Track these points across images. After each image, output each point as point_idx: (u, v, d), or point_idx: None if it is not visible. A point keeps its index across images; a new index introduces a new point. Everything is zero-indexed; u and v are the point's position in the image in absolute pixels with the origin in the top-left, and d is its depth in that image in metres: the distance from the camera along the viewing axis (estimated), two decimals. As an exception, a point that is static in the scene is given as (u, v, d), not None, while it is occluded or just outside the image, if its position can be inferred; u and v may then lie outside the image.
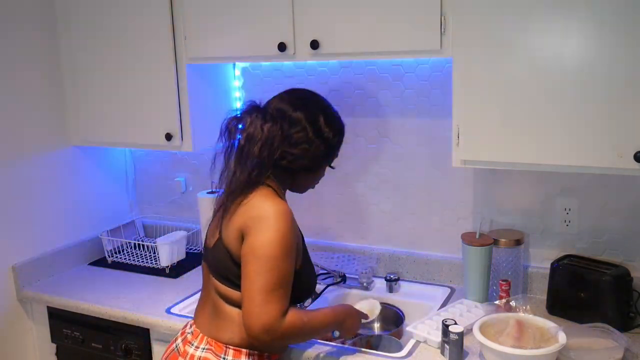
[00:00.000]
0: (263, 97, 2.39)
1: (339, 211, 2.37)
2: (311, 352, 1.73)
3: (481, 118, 1.72)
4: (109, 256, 2.56)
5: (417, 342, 1.78)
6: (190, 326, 1.69)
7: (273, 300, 1.45)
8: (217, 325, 1.61)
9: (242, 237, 1.53)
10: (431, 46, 1.76)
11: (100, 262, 2.55)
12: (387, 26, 1.80)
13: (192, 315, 1.74)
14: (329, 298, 2.15)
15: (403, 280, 2.21)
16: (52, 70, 2.38)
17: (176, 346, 1.67)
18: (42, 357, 2.36)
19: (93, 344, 2.18)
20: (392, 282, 2.16)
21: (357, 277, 2.21)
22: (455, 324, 1.66)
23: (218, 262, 1.60)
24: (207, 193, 2.40)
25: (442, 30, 1.73)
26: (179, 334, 1.71)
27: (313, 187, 1.76)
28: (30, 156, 2.33)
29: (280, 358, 1.70)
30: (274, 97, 1.66)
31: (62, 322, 2.24)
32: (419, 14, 1.75)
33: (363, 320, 1.79)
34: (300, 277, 1.58)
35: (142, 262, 2.47)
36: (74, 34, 2.34)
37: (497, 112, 1.70)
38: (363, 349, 1.75)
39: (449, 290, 2.14)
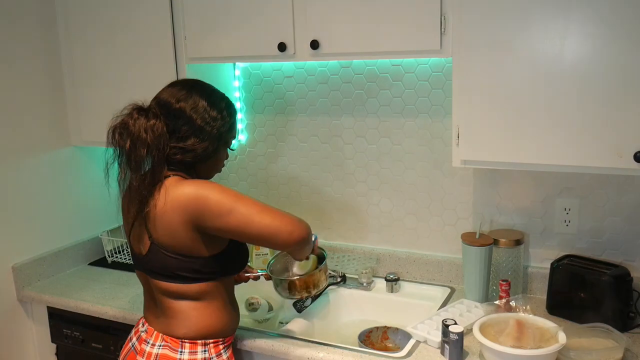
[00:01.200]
0: (263, 97, 2.41)
1: (339, 211, 2.37)
2: (312, 352, 1.74)
3: (481, 118, 1.72)
4: (109, 256, 2.56)
5: (417, 342, 1.78)
6: (143, 324, 1.72)
7: (280, 212, 1.59)
8: (168, 323, 1.64)
9: (193, 229, 1.53)
10: (431, 46, 1.76)
11: (100, 262, 2.55)
12: (387, 26, 1.80)
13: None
14: (329, 298, 2.15)
15: (403, 280, 2.21)
16: (52, 70, 2.38)
17: (132, 345, 1.71)
18: (42, 357, 2.36)
19: (93, 344, 2.18)
20: (392, 282, 2.16)
21: (357, 277, 2.21)
22: (455, 324, 1.66)
23: (159, 265, 1.60)
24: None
25: (442, 30, 1.73)
26: (133, 332, 1.75)
27: (220, 171, 1.73)
28: (30, 156, 2.33)
29: (233, 342, 1.75)
30: (157, 93, 1.64)
31: (62, 322, 2.24)
32: (419, 14, 1.75)
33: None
34: (238, 248, 1.66)
35: (142, 262, 2.47)
36: (74, 34, 2.34)
37: (497, 112, 1.70)
38: (363, 349, 1.75)
39: (449, 290, 2.14)
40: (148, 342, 1.65)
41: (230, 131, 1.66)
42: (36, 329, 2.35)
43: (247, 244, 1.74)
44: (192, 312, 1.62)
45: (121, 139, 1.55)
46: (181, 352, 1.62)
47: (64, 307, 2.20)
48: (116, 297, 2.18)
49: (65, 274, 2.43)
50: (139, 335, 1.70)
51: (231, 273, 1.70)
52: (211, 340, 1.65)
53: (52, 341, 2.29)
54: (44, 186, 2.38)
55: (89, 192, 2.57)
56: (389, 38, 1.81)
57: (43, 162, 2.38)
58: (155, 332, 1.66)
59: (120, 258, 2.54)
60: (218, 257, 1.61)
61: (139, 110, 1.58)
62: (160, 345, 1.63)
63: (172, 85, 1.66)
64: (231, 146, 1.71)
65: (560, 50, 1.59)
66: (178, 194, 1.53)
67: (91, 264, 2.54)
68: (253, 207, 1.55)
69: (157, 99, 1.62)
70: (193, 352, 1.62)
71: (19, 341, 2.32)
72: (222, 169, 1.74)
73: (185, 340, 1.62)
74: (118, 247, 2.59)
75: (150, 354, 1.63)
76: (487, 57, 1.68)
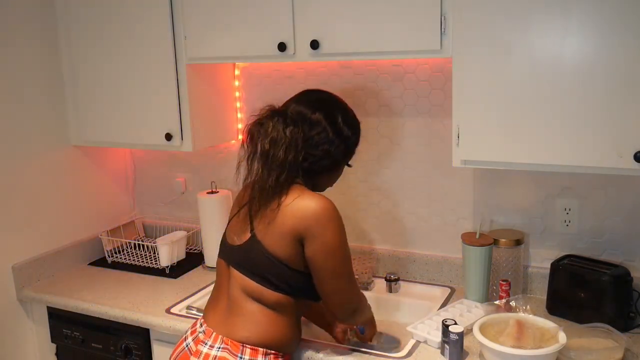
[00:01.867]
0: (263, 97, 2.41)
1: (339, 211, 2.36)
2: (310, 352, 1.74)
3: (481, 118, 1.72)
4: (108, 256, 2.56)
5: (417, 342, 1.78)
6: (202, 325, 1.67)
7: (355, 283, 1.67)
8: (233, 322, 1.61)
9: (298, 241, 1.55)
10: (431, 46, 1.76)
11: (100, 262, 2.54)
12: (387, 26, 1.80)
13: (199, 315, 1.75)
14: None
15: (403, 280, 2.21)
16: (52, 70, 2.38)
17: (187, 345, 1.65)
18: (42, 357, 2.36)
19: (93, 344, 2.18)
20: (392, 282, 2.16)
21: (357, 277, 2.21)
22: (455, 324, 1.66)
23: (252, 261, 1.60)
24: (207, 193, 2.40)
25: (442, 30, 1.73)
26: (189, 332, 1.69)
27: (332, 186, 1.78)
28: (30, 156, 2.33)
29: (292, 358, 1.71)
30: (291, 101, 1.68)
31: (62, 322, 2.24)
32: (419, 14, 1.75)
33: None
34: None
35: (142, 262, 2.47)
36: (74, 34, 2.34)
37: (497, 112, 1.70)
38: (363, 349, 1.75)
39: (449, 290, 2.14)
40: (206, 344, 1.60)
41: (354, 146, 1.72)
42: (36, 329, 2.34)
43: None
44: (262, 318, 1.59)
45: (259, 138, 1.59)
46: (241, 357, 1.57)
47: (64, 307, 2.20)
48: (116, 297, 2.18)
49: (65, 274, 2.43)
50: (196, 336, 1.65)
51: (316, 299, 1.66)
52: (272, 352, 1.60)
53: (52, 341, 2.29)
54: (44, 186, 2.38)
55: (89, 192, 2.57)
56: (389, 38, 1.81)
57: (43, 162, 2.38)
58: (215, 333, 1.61)
59: (120, 258, 2.54)
60: (311, 276, 1.61)
61: (277, 113, 1.62)
62: (219, 348, 1.59)
63: (307, 94, 1.71)
64: (348, 162, 1.75)
65: (560, 50, 1.59)
66: (302, 205, 1.56)
67: (91, 264, 2.54)
68: (347, 268, 1.62)
69: (292, 106, 1.65)
70: None
71: (19, 341, 2.32)
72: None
73: (247, 346, 1.58)
74: (118, 247, 2.59)
75: (207, 355, 1.58)
76: (487, 57, 1.68)
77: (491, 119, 1.71)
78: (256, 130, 1.60)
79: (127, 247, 2.60)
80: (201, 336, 1.63)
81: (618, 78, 1.54)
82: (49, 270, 2.39)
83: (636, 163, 1.54)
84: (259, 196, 1.59)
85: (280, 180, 1.57)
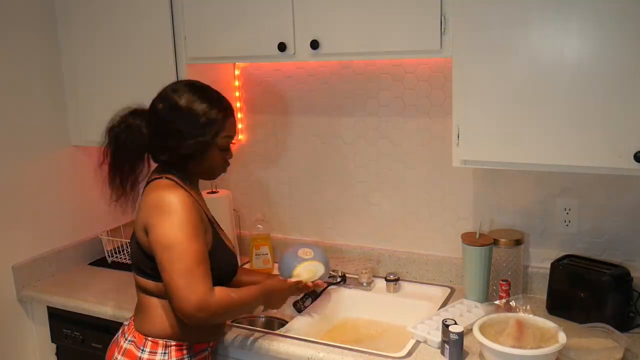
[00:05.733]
0: (263, 97, 2.41)
1: (340, 211, 2.37)
2: (312, 352, 1.73)
3: (481, 118, 1.72)
4: (109, 256, 2.56)
5: (417, 342, 1.78)
6: (131, 318, 1.76)
7: (196, 280, 1.51)
8: (140, 318, 1.69)
9: (146, 231, 1.59)
10: (431, 46, 1.76)
11: (100, 262, 2.55)
12: (387, 26, 1.80)
13: None
14: (329, 298, 2.15)
15: (403, 280, 2.21)
16: (52, 70, 2.38)
17: (116, 337, 1.75)
18: (42, 357, 2.36)
19: (93, 344, 2.18)
20: (392, 282, 2.16)
21: (357, 277, 2.21)
22: (455, 324, 1.66)
23: (133, 257, 1.70)
24: (207, 193, 2.40)
25: (442, 30, 1.73)
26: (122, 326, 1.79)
27: (224, 170, 1.74)
28: (30, 156, 2.33)
29: (205, 352, 1.72)
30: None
31: (62, 322, 2.24)
32: (419, 14, 1.75)
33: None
34: (214, 258, 1.62)
35: (142, 262, 2.47)
36: (74, 34, 2.34)
37: (497, 112, 1.70)
38: (362, 349, 1.75)
39: (449, 290, 2.14)
40: (125, 337, 1.70)
41: (214, 126, 1.63)
42: (36, 329, 2.34)
43: (230, 254, 1.76)
44: (157, 310, 1.64)
45: (109, 138, 1.66)
46: (142, 350, 1.63)
47: (64, 307, 2.20)
48: (116, 297, 2.18)
49: (65, 274, 2.43)
50: (123, 329, 1.75)
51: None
52: (173, 343, 1.64)
53: (52, 341, 2.29)
54: (44, 186, 2.38)
55: (89, 192, 2.56)
56: (389, 38, 1.81)
57: (43, 162, 2.38)
58: (132, 327, 1.70)
59: (120, 258, 2.54)
60: None
61: (132, 112, 1.67)
62: (129, 341, 1.67)
63: (164, 87, 1.69)
64: (226, 148, 1.70)
65: (560, 50, 1.59)
66: (149, 196, 1.61)
67: (91, 264, 2.54)
68: (181, 260, 1.51)
69: (151, 102, 1.68)
70: (153, 352, 1.63)
71: (19, 341, 2.32)
72: (227, 169, 1.75)
73: (149, 338, 1.64)
74: (118, 247, 2.59)
75: (121, 347, 1.68)
76: (487, 57, 1.68)
77: (491, 119, 1.71)
78: (107, 134, 1.67)
79: (127, 247, 2.60)
80: (125, 329, 1.73)
81: (618, 78, 1.54)
82: (49, 270, 2.39)
83: (636, 163, 1.54)
84: (124, 194, 1.67)
85: (131, 177, 1.65)
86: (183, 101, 1.62)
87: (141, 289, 1.68)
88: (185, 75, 2.15)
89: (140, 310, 1.70)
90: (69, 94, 2.41)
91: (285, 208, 2.45)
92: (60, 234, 2.46)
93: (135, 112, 1.67)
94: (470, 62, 1.70)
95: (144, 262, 1.64)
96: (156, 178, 1.65)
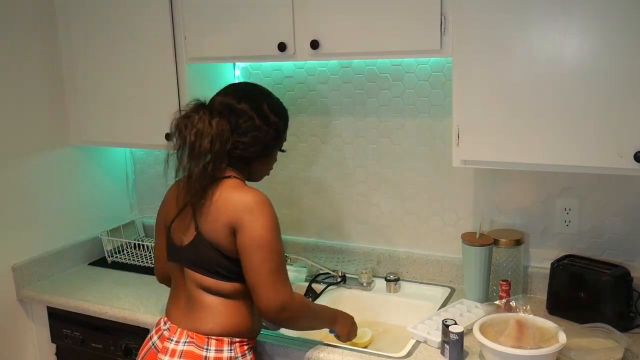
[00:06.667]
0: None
1: (339, 211, 2.37)
2: (312, 352, 1.74)
3: (481, 118, 1.72)
4: (109, 256, 2.56)
5: (417, 342, 1.78)
6: (165, 323, 1.70)
7: (282, 281, 1.58)
8: (196, 317, 1.64)
9: (232, 232, 1.57)
10: (431, 46, 1.76)
11: (100, 262, 2.55)
12: (387, 26, 1.80)
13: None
14: (329, 298, 2.15)
15: (403, 280, 2.21)
16: (52, 70, 2.38)
17: (153, 344, 1.68)
18: (42, 357, 2.36)
19: (93, 344, 2.18)
20: (392, 282, 2.16)
21: (357, 277, 2.21)
22: (455, 324, 1.66)
23: (200, 257, 1.63)
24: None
25: (442, 30, 1.73)
26: (153, 331, 1.73)
27: (268, 174, 1.81)
28: (30, 156, 2.33)
29: (255, 346, 1.73)
30: (217, 95, 1.71)
31: (62, 322, 2.24)
32: (419, 14, 1.75)
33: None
34: None
35: (142, 262, 2.47)
36: (74, 34, 2.34)
37: (497, 112, 1.70)
38: (362, 349, 1.75)
39: (449, 290, 2.14)
40: (172, 340, 1.63)
41: (283, 132, 1.75)
42: (36, 329, 2.34)
43: None
44: (222, 309, 1.62)
45: (186, 131, 1.61)
46: (207, 349, 1.60)
47: (64, 307, 2.20)
48: (116, 297, 2.18)
49: (65, 274, 2.43)
50: (161, 334, 1.68)
51: None
52: (237, 340, 1.63)
53: (52, 341, 2.29)
54: (44, 186, 2.38)
55: (89, 192, 2.57)
56: (389, 38, 1.81)
57: (43, 162, 2.38)
58: (180, 329, 1.64)
59: (120, 258, 2.54)
60: None
61: (203, 106, 1.65)
62: (185, 342, 1.61)
63: (232, 86, 1.76)
64: (281, 148, 1.79)
65: (561, 50, 1.59)
66: (235, 196, 1.59)
67: (91, 264, 2.54)
68: (273, 261, 1.57)
69: (218, 99, 1.68)
70: (219, 350, 1.60)
71: (19, 341, 2.32)
72: (270, 172, 1.80)
73: (212, 337, 1.61)
74: (118, 247, 2.59)
75: (174, 350, 1.60)
76: (487, 57, 1.68)
77: (491, 119, 1.71)
78: (183, 123, 1.62)
79: (127, 247, 2.60)
80: (166, 333, 1.66)
81: (618, 78, 1.54)
82: (49, 270, 2.39)
83: (636, 163, 1.54)
84: (188, 188, 1.62)
85: (207, 171, 1.60)
86: (267, 105, 1.69)
87: (206, 290, 1.63)
88: (185, 75, 2.14)
89: (197, 309, 1.64)
90: (69, 94, 2.41)
91: (285, 208, 2.45)
92: (60, 234, 2.46)
93: (205, 106, 1.65)
94: (470, 62, 1.70)
95: (220, 263, 1.61)
96: (225, 177, 1.64)
